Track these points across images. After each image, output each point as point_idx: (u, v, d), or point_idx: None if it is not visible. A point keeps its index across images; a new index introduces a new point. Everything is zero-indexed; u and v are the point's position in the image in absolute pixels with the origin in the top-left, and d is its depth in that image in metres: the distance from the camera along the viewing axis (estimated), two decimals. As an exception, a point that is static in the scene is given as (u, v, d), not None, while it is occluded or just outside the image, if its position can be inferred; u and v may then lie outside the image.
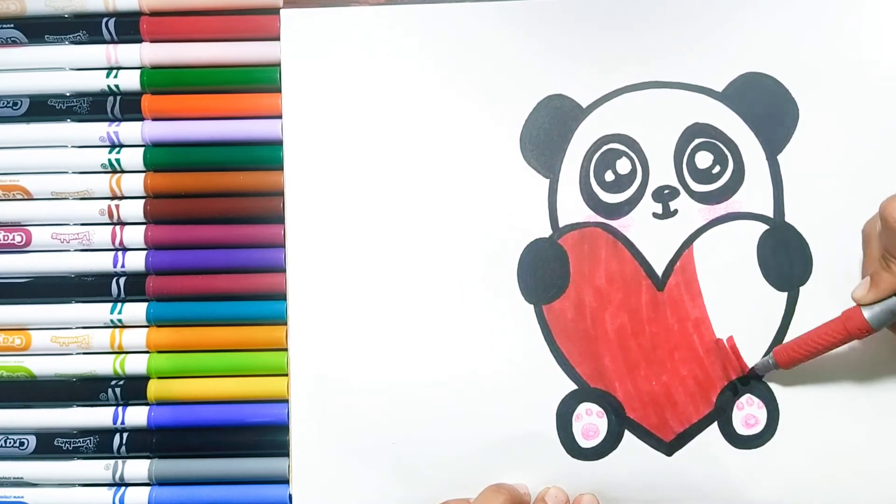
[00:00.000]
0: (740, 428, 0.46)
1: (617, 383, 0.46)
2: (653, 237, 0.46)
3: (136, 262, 0.48)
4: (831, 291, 0.45)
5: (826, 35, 0.47)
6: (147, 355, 0.48)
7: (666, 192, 0.46)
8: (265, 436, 0.47)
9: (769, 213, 0.46)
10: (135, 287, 0.48)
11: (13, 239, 0.48)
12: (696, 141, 0.46)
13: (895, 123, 0.46)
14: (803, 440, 0.45)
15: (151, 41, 0.49)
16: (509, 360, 0.46)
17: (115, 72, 0.48)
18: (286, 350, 0.47)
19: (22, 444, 0.47)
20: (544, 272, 0.47)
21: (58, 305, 0.48)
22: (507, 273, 0.47)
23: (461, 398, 0.46)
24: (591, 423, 0.46)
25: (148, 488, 0.47)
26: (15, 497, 0.47)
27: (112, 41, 0.49)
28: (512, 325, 0.46)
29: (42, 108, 0.48)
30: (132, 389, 0.47)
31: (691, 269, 0.46)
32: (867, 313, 0.41)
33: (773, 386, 0.45)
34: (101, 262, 0.48)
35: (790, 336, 0.45)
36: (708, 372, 0.46)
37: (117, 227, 0.48)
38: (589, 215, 0.47)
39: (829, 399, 0.45)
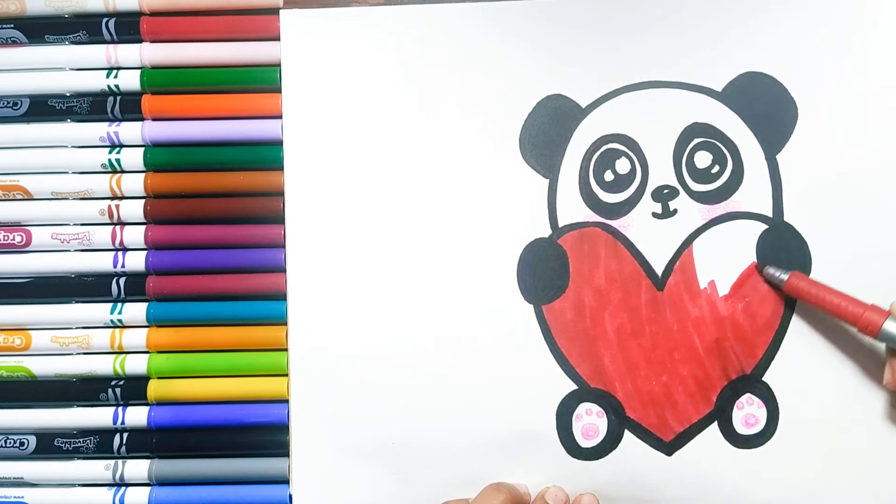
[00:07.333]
0: (740, 428, 0.46)
1: (617, 383, 0.46)
2: (652, 237, 0.46)
3: (136, 262, 0.48)
4: (831, 291, 0.45)
5: (825, 34, 0.47)
6: (147, 355, 0.48)
7: (665, 191, 0.46)
8: (265, 436, 0.47)
9: (768, 212, 0.46)
10: (135, 287, 0.48)
11: (13, 239, 0.48)
12: (696, 140, 0.47)
13: (894, 122, 0.46)
14: (803, 440, 0.45)
15: (151, 41, 0.49)
16: (509, 361, 0.46)
17: (115, 72, 0.48)
18: (286, 350, 0.47)
19: (22, 444, 0.47)
20: (544, 272, 0.47)
21: (58, 305, 0.48)
22: (507, 273, 0.47)
23: (461, 398, 0.46)
24: (591, 422, 0.46)
25: (148, 488, 0.47)
26: (15, 497, 0.47)
27: (112, 41, 0.49)
28: (512, 326, 0.46)
29: (42, 108, 0.48)
30: (132, 389, 0.47)
31: (691, 269, 0.46)
32: (889, 326, 0.41)
33: (773, 386, 0.45)
34: (101, 262, 0.48)
35: (790, 335, 0.45)
36: (708, 372, 0.46)
37: (117, 227, 0.48)
38: (588, 215, 0.47)
39: (829, 399, 0.45)
